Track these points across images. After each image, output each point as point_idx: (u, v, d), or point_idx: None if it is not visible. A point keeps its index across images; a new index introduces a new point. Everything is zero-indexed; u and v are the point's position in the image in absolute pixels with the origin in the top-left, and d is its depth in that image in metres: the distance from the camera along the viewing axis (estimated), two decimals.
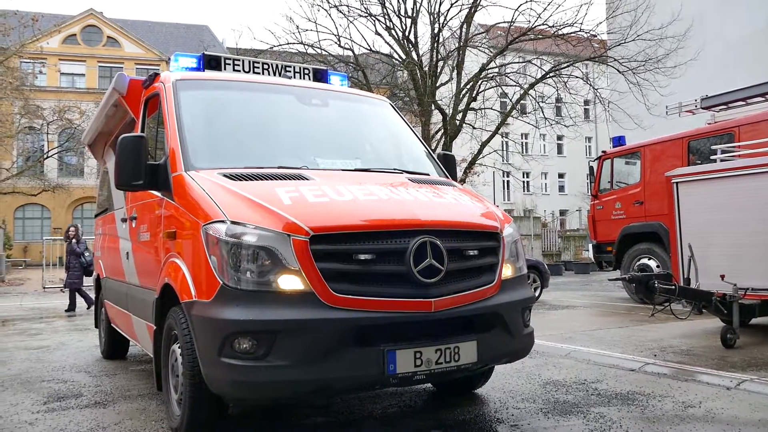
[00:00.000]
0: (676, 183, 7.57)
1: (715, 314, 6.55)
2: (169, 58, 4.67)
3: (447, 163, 4.80)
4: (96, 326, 7.29)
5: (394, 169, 4.28)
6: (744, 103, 10.72)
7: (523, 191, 44.66)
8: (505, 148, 28.29)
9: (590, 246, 12.67)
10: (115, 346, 6.50)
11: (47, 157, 33.29)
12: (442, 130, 19.77)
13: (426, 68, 19.52)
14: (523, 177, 42.85)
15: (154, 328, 3.88)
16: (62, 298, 14.96)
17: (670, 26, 18.22)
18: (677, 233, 7.52)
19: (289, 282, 3.03)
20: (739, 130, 9.65)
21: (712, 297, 6.42)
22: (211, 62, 4.63)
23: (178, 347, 3.47)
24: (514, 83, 19.70)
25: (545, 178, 48.59)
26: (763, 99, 10.42)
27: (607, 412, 4.07)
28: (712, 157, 8.05)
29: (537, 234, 25.01)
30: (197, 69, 4.62)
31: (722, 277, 6.59)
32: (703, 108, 11.32)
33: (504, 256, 3.68)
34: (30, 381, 5.49)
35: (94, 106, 31.72)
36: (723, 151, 7.98)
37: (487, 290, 3.53)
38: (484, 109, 20.63)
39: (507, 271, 3.72)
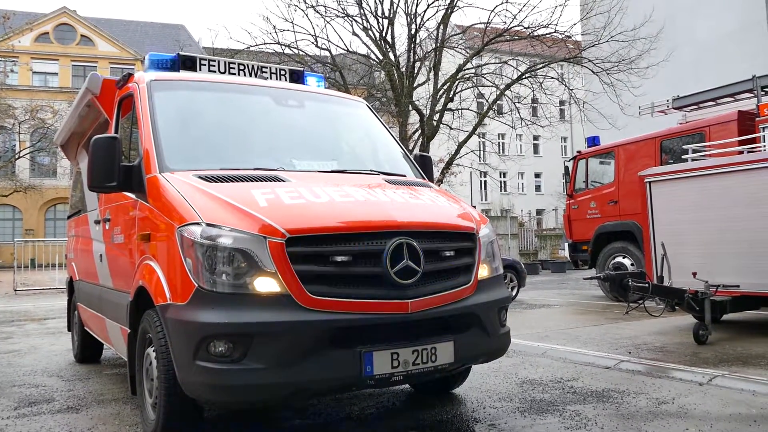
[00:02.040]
0: (649, 182, 7.68)
1: (688, 311, 6.65)
2: (144, 58, 4.62)
3: (424, 164, 4.84)
4: (69, 330, 7.17)
5: (371, 171, 4.31)
6: (714, 103, 10.94)
7: (501, 191, 45.01)
8: (482, 149, 28.49)
9: (566, 245, 12.80)
10: (88, 350, 6.41)
11: (19, 158, 32.73)
12: (420, 131, 19.82)
13: (403, 69, 19.58)
14: (500, 177, 43.17)
15: (129, 331, 3.83)
16: (34, 300, 14.67)
17: (642, 28, 18.50)
18: (650, 232, 7.63)
19: (266, 284, 3.03)
20: (710, 129, 9.83)
21: (685, 294, 6.51)
22: (186, 63, 4.60)
23: (153, 351, 3.44)
24: (491, 84, 19.86)
25: (522, 178, 49.05)
26: (732, 99, 10.64)
27: (583, 410, 4.11)
28: (683, 157, 8.19)
29: (514, 234, 25.25)
30: (172, 69, 4.60)
31: (694, 274, 6.71)
32: (674, 108, 11.51)
33: (480, 257, 3.72)
34: (0, 386, 5.39)
35: (67, 105, 31.26)
36: (694, 151, 8.13)
37: (463, 291, 3.55)
38: (461, 109, 20.76)
39: (483, 272, 3.75)
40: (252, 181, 3.59)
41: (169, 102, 4.14)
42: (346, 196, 3.52)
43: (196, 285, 3.07)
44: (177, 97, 4.25)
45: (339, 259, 3.13)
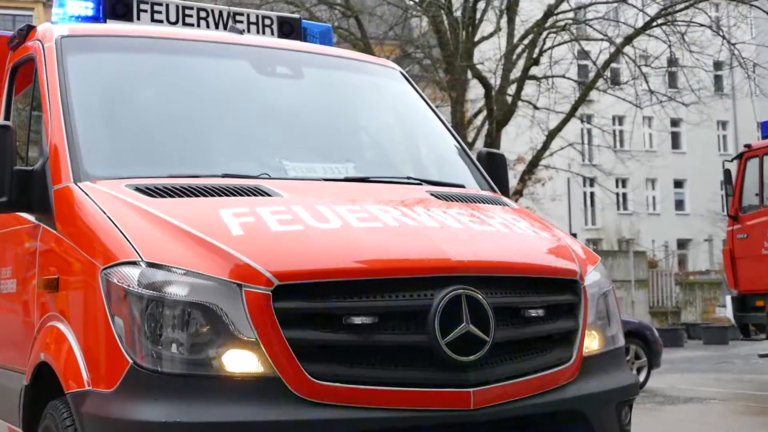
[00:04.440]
0: None
1: None
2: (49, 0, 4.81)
3: (492, 167, 4.89)
4: None
5: (408, 178, 4.39)
6: None
7: (618, 209, 44.62)
8: (587, 141, 28.36)
9: (728, 299, 12.70)
10: None
11: None
12: (486, 113, 19.95)
13: (458, 13, 19.77)
14: (617, 186, 42.87)
15: None
16: None
17: None
18: None
19: (241, 361, 3.10)
20: None
21: None
22: (117, 8, 4.73)
23: None
24: (601, 36, 19.93)
25: (653, 188, 48.69)
26: None
27: None
28: None
29: (641, 280, 25.03)
30: (95, 18, 4.72)
31: None
32: None
33: (587, 319, 3.77)
34: None
35: None
36: None
37: (559, 374, 3.60)
38: (553, 77, 20.81)
39: (592, 343, 3.80)
40: (220, 195, 3.67)
41: (92, 71, 4.28)
42: (368, 220, 3.61)
43: (131, 361, 3.13)
44: (103, 62, 4.38)
45: (357, 321, 3.18)
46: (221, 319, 3.11)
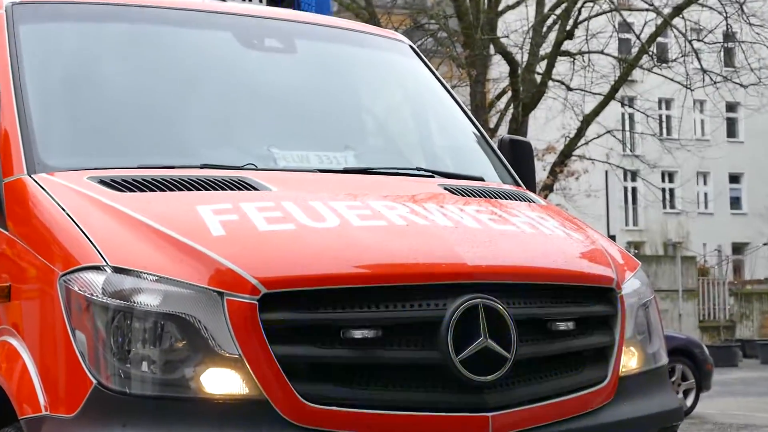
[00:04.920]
0: None
1: None
2: None
3: (517, 157, 4.87)
4: None
5: (418, 169, 4.40)
6: None
7: (664, 208, 44.53)
8: (628, 128, 28.28)
9: None
10: None
11: None
12: (509, 94, 19.88)
13: None
14: (663, 181, 42.79)
15: None
16: None
17: None
18: None
19: (222, 381, 3.07)
20: None
21: None
22: None
23: None
24: (647, 5, 19.83)
25: (705, 183, 48.67)
26: None
27: None
28: None
29: (690, 290, 24.96)
30: None
31: None
32: None
33: (624, 333, 3.73)
34: None
35: None
36: None
37: (592, 396, 3.57)
38: (589, 53, 20.73)
39: (630, 361, 3.78)
40: (198, 188, 3.67)
41: (49, 43, 4.24)
42: (371, 218, 3.60)
43: (95, 381, 3.08)
44: (62, 33, 4.35)
45: (358, 335, 3.15)
46: (199, 332, 3.08)
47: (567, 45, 20.21)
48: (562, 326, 3.52)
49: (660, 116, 36.74)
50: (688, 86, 19.84)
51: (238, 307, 3.09)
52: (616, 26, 21.39)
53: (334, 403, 3.11)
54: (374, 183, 4.05)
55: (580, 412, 3.51)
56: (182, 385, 3.07)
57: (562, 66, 20.55)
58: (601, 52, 21.05)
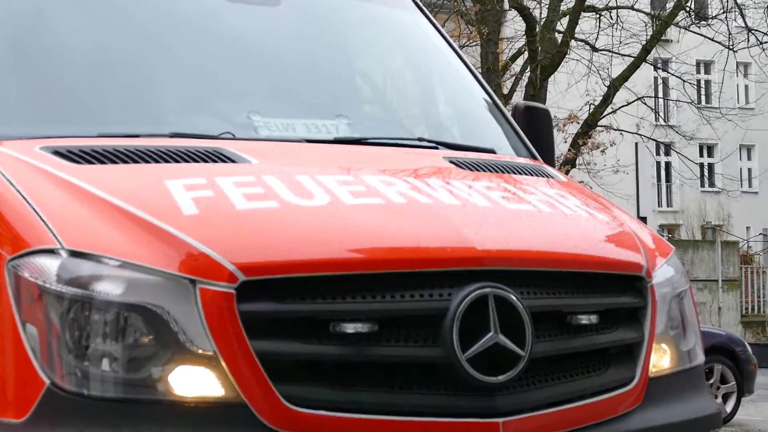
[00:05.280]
0: None
1: None
2: None
3: (534, 127, 4.85)
4: None
5: (420, 140, 4.38)
6: None
7: (701, 186, 44.44)
8: (661, 94, 28.19)
9: None
10: None
11: None
12: (526, 55, 19.81)
13: None
14: (701, 155, 42.72)
15: None
16: None
17: None
18: None
19: (195, 381, 3.01)
20: None
21: None
22: None
23: None
24: None
25: (748, 158, 48.59)
26: None
27: None
28: None
29: (731, 279, 24.95)
30: None
31: None
32: None
33: (655, 328, 3.68)
34: None
35: None
36: None
37: (617, 400, 3.52)
38: (617, 8, 20.61)
39: (661, 359, 3.74)
40: (168, 160, 3.62)
41: None
42: (365, 195, 3.58)
43: (48, 382, 3.02)
44: None
45: (350, 328, 3.08)
46: (168, 325, 3.02)
47: (592, 0, 20.19)
48: (584, 320, 3.47)
49: (698, 81, 36.74)
50: (731, 47, 19.80)
51: (212, 297, 3.03)
52: None
53: (323, 407, 3.05)
54: (370, 155, 4.01)
55: (604, 418, 3.47)
56: (148, 386, 3.00)
57: (586, 23, 20.57)
58: (631, 8, 21.07)
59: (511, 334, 3.19)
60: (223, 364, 2.99)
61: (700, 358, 3.96)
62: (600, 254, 3.72)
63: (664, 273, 3.82)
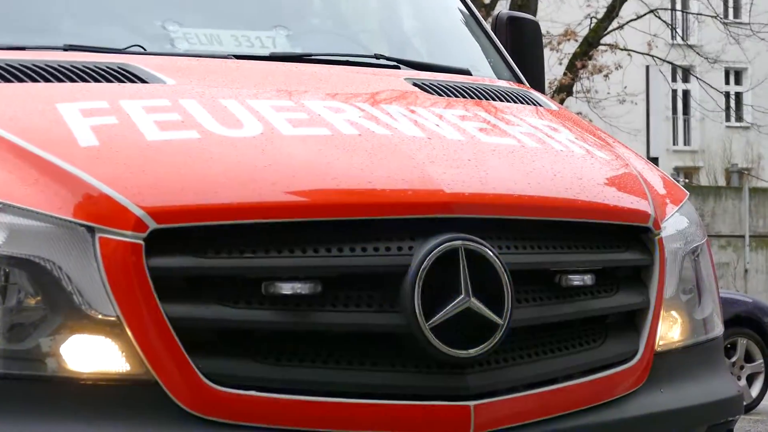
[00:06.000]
0: None
1: None
2: None
3: (519, 44, 4.85)
4: None
5: (378, 57, 4.38)
6: None
7: (726, 120, 44.69)
8: (678, 6, 28.27)
9: None
10: None
11: None
12: None
13: None
14: (727, 82, 42.86)
15: None
16: None
17: None
18: None
19: (93, 354, 2.95)
20: None
21: None
22: None
23: None
24: None
25: None
26: None
27: None
28: None
29: (760, 235, 25.13)
30: None
31: None
32: None
33: (663, 291, 3.65)
34: None
35: None
36: None
37: (616, 379, 3.51)
38: None
39: (671, 330, 3.73)
40: (60, 79, 3.57)
41: None
42: (307, 125, 3.55)
43: None
44: None
45: (287, 289, 3.04)
46: (60, 284, 2.96)
47: None
48: (577, 280, 3.43)
49: None
50: None
51: (115, 249, 2.96)
52: None
53: (252, 386, 3.00)
54: (314, 76, 3.99)
55: (599, 401, 3.44)
56: (34, 359, 2.94)
57: None
58: None
59: (487, 298, 3.15)
60: (129, 332, 2.94)
61: (719, 329, 3.94)
62: (597, 200, 3.68)
63: (675, 224, 3.80)
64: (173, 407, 2.94)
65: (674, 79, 36.64)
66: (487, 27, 4.81)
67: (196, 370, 2.95)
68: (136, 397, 2.95)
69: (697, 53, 28.06)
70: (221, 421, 2.96)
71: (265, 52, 4.20)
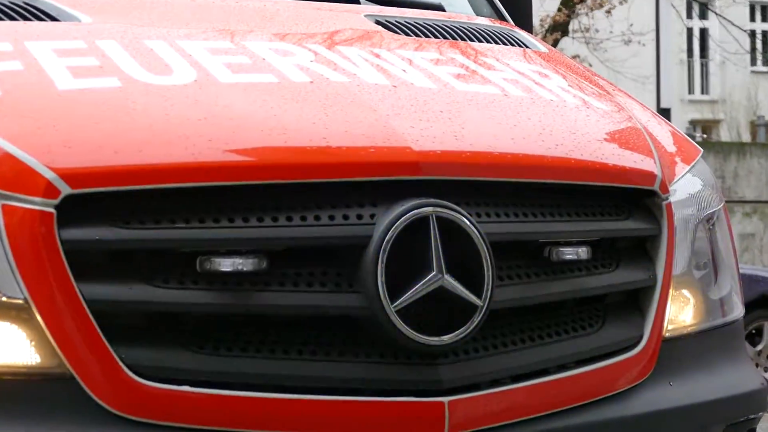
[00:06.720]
0: None
1: None
2: None
3: None
4: None
5: None
6: None
7: (752, 65, 44.97)
8: None
9: None
10: None
11: None
12: None
13: None
14: (752, 20, 43.20)
15: None
16: None
17: None
18: None
19: None
20: None
21: None
22: None
23: None
24: None
25: None
26: None
27: None
28: None
29: None
30: None
31: None
32: None
33: (672, 266, 3.57)
34: None
35: None
36: None
37: (616, 370, 3.43)
38: None
39: (681, 312, 3.67)
40: None
41: None
42: (249, 70, 3.49)
43: None
44: None
45: (227, 265, 3.00)
46: None
47: None
48: (569, 254, 3.36)
49: None
50: None
51: (21, 219, 2.92)
52: None
53: (186, 381, 2.95)
54: (258, 12, 3.98)
55: (598, 395, 3.38)
56: None
57: None
58: None
59: (463, 275, 3.09)
60: (39, 317, 2.89)
61: (739, 311, 3.88)
62: (593, 158, 3.53)
63: (687, 187, 3.73)
64: (92, 406, 2.90)
65: (689, 16, 36.82)
66: None
67: (119, 361, 2.89)
68: (47, 395, 2.92)
69: None
70: (149, 421, 2.92)
71: None
